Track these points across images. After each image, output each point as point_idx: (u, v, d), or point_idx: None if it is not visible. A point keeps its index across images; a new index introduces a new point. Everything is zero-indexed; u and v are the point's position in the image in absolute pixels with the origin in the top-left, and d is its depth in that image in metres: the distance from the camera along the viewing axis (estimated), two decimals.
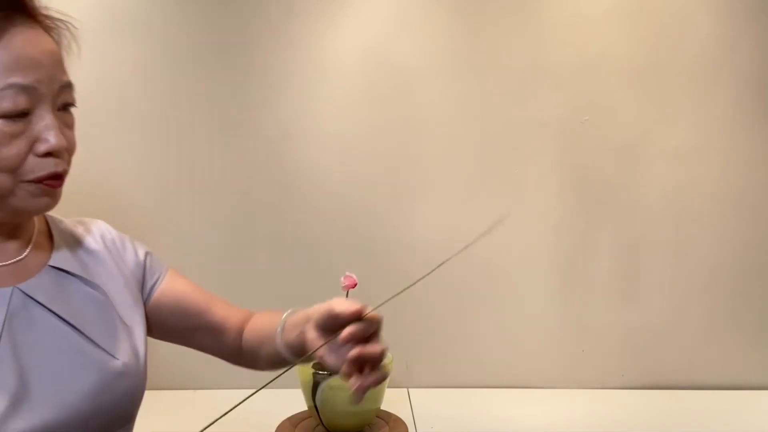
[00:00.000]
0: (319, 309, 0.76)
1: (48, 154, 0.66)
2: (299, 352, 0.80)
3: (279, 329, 0.82)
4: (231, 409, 0.67)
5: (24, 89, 0.64)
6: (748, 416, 1.42)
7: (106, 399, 0.73)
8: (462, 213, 1.54)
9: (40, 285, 0.72)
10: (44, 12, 0.69)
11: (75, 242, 0.81)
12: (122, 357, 0.76)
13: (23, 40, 0.65)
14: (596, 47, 1.51)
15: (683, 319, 1.56)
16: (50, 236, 0.78)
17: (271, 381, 0.75)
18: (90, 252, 0.81)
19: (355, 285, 1.28)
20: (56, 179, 0.68)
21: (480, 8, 1.50)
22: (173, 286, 0.89)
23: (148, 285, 0.87)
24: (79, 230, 0.83)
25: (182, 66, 1.47)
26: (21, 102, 0.64)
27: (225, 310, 0.90)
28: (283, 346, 0.81)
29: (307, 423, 1.28)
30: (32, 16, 0.68)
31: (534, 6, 1.50)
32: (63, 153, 0.69)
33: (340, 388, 1.19)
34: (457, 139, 1.52)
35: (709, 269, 1.56)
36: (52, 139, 0.66)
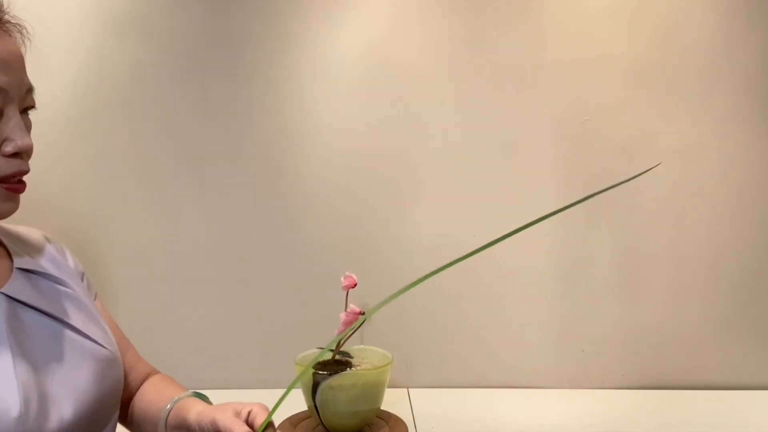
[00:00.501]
0: (200, 419, 0.73)
1: (15, 154, 0.67)
2: None
3: (162, 421, 0.80)
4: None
5: None
6: (748, 416, 1.41)
7: (106, 386, 0.75)
8: (462, 212, 1.54)
9: (18, 287, 0.73)
10: (6, 17, 0.71)
11: (26, 245, 0.82)
12: (108, 346, 0.78)
13: None
14: (596, 47, 1.51)
15: (683, 319, 1.56)
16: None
17: None
18: (42, 253, 0.83)
19: (355, 285, 1.29)
20: (20, 183, 0.69)
21: (480, 8, 1.50)
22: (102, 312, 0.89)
23: None
24: (24, 233, 0.84)
25: (181, 66, 1.47)
26: None
27: (133, 361, 0.90)
28: None
29: (307, 423, 1.28)
30: None
31: (534, 6, 1.50)
32: (25, 155, 0.70)
33: (340, 388, 1.19)
34: (456, 139, 1.52)
35: (709, 269, 1.56)
36: (19, 140, 0.67)
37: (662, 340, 1.56)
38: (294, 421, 1.28)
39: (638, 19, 1.50)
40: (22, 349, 0.68)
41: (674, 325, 1.56)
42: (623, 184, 1.55)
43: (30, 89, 0.71)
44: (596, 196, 1.64)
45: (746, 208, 1.55)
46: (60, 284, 0.79)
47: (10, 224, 0.84)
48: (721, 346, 1.57)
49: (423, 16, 1.50)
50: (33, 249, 0.82)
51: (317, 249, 1.52)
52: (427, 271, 1.63)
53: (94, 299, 0.88)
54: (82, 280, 0.87)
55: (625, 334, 1.56)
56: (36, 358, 0.69)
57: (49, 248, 0.85)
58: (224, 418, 0.70)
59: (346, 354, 1.28)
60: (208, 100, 1.49)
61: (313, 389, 1.19)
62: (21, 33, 0.73)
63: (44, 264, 0.81)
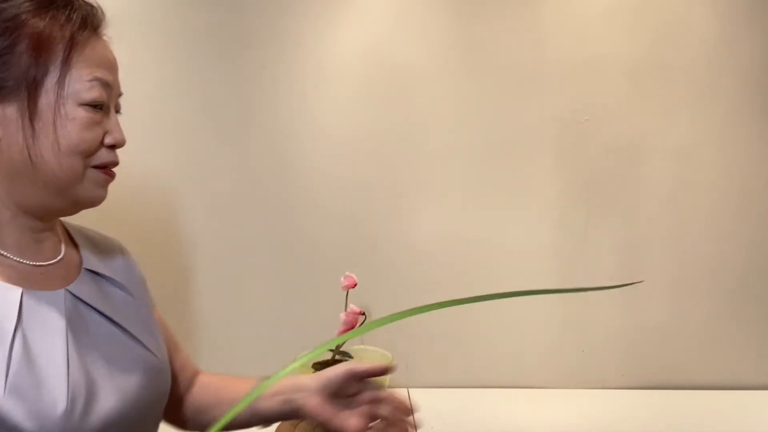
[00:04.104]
0: (323, 374, 0.79)
1: (112, 146, 0.75)
2: (271, 419, 0.84)
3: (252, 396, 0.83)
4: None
5: (105, 85, 0.73)
6: (748, 416, 1.41)
7: (152, 393, 0.77)
8: (462, 212, 1.54)
9: (83, 287, 0.76)
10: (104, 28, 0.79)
11: (95, 246, 0.85)
12: (158, 354, 0.80)
13: (104, 48, 0.75)
14: (596, 47, 1.51)
15: (683, 319, 1.56)
16: (71, 239, 0.82)
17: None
18: (111, 257, 0.86)
19: (355, 285, 1.29)
20: (112, 173, 0.76)
21: (480, 8, 1.50)
22: (157, 321, 0.92)
23: None
24: (99, 237, 0.88)
25: (182, 66, 1.47)
26: (103, 95, 0.72)
27: (183, 359, 0.93)
28: (251, 413, 0.84)
29: (307, 423, 1.28)
30: (100, 36, 0.77)
31: (534, 6, 1.50)
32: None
33: None
34: (457, 139, 1.52)
35: (709, 269, 1.56)
36: (118, 133, 0.76)
37: (662, 340, 1.56)
38: (294, 421, 1.28)
39: (638, 19, 1.50)
40: (77, 347, 0.71)
41: (674, 325, 1.56)
42: (625, 184, 1.54)
43: (120, 94, 0.78)
44: (597, 196, 1.64)
45: (746, 207, 1.55)
46: (123, 290, 0.82)
47: (89, 228, 0.88)
48: (721, 346, 1.57)
49: (423, 16, 1.50)
50: (104, 253, 0.85)
51: (317, 249, 1.52)
52: (427, 271, 1.62)
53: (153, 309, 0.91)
54: (145, 290, 0.90)
55: (625, 334, 1.56)
56: (89, 357, 0.71)
57: (120, 255, 0.88)
58: (361, 363, 0.77)
59: (346, 354, 1.28)
60: (209, 101, 1.49)
61: None
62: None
63: (112, 269, 0.83)
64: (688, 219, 1.54)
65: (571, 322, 1.56)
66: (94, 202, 0.76)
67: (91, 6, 0.75)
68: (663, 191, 1.54)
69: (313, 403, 0.77)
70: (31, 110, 0.69)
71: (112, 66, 0.75)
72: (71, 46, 0.70)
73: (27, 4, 0.70)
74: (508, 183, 1.53)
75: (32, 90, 0.69)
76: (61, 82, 0.70)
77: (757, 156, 1.54)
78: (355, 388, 0.78)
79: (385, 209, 1.53)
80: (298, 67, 1.49)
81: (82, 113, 0.70)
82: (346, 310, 1.25)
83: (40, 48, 0.69)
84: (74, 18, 0.72)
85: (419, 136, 1.52)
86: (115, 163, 0.76)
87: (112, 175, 0.76)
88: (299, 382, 0.80)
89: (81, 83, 0.70)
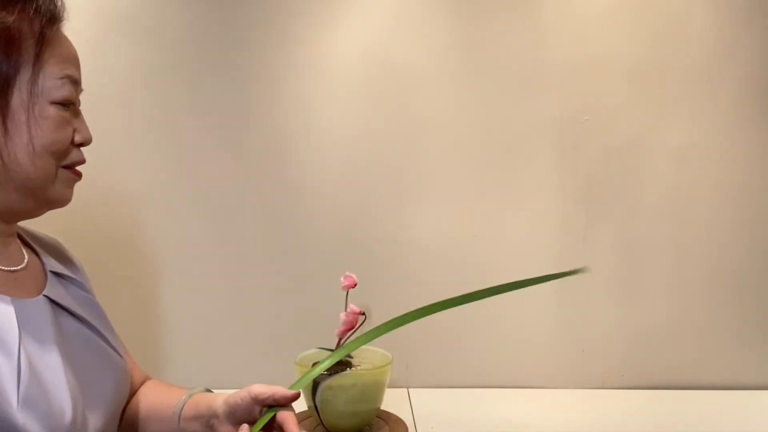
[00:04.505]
0: (232, 397, 0.75)
1: (80, 144, 0.74)
2: None
3: (176, 414, 0.81)
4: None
5: (74, 82, 0.72)
6: (748, 416, 1.41)
7: (123, 395, 0.77)
8: (462, 213, 1.54)
9: (56, 291, 0.74)
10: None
11: (48, 247, 0.82)
12: (123, 355, 0.80)
13: (69, 43, 0.73)
14: (596, 47, 1.51)
15: (683, 319, 1.56)
16: (24, 241, 0.79)
17: None
18: (63, 256, 0.84)
19: (355, 285, 1.28)
20: (79, 171, 0.75)
21: (480, 9, 1.50)
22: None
23: None
24: (41, 235, 0.85)
25: (180, 66, 1.47)
26: (74, 93, 0.71)
27: (132, 362, 0.90)
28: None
29: (307, 423, 1.28)
30: (62, 30, 0.75)
31: (534, 6, 1.50)
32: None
33: (340, 388, 1.19)
34: (457, 139, 1.52)
35: (709, 269, 1.56)
36: (85, 131, 0.74)
37: (662, 340, 1.56)
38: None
39: (638, 19, 1.50)
40: (66, 354, 0.69)
41: (674, 325, 1.56)
42: (625, 184, 1.54)
43: (82, 90, 0.76)
44: (598, 195, 1.64)
45: (746, 207, 1.55)
46: (83, 290, 0.80)
47: (31, 227, 0.84)
48: (721, 346, 1.57)
49: (423, 16, 1.50)
50: (57, 252, 0.83)
51: (317, 249, 1.52)
52: (427, 271, 1.62)
53: None
54: (91, 286, 0.88)
55: (625, 334, 1.56)
56: (74, 362, 0.70)
57: (68, 253, 0.86)
58: (261, 386, 0.73)
59: (348, 354, 1.28)
60: (207, 101, 1.49)
61: (313, 389, 1.19)
62: None
63: (69, 268, 0.81)
64: (688, 219, 1.54)
65: (571, 321, 1.56)
66: (63, 203, 0.74)
67: None
68: (663, 191, 1.54)
69: (224, 431, 0.75)
70: (3, 110, 0.65)
71: (77, 62, 0.73)
72: (42, 43, 0.67)
73: None
74: (508, 183, 1.53)
75: (4, 88, 0.65)
76: (33, 80, 0.66)
77: (758, 156, 1.54)
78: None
79: (385, 209, 1.53)
80: (297, 67, 1.49)
81: (54, 112, 0.68)
82: (346, 310, 1.24)
83: (11, 44, 0.65)
84: (42, 11, 0.68)
85: (419, 136, 1.52)
86: (83, 162, 0.75)
87: (79, 175, 0.75)
88: (214, 406, 0.77)
89: (52, 81, 0.68)
